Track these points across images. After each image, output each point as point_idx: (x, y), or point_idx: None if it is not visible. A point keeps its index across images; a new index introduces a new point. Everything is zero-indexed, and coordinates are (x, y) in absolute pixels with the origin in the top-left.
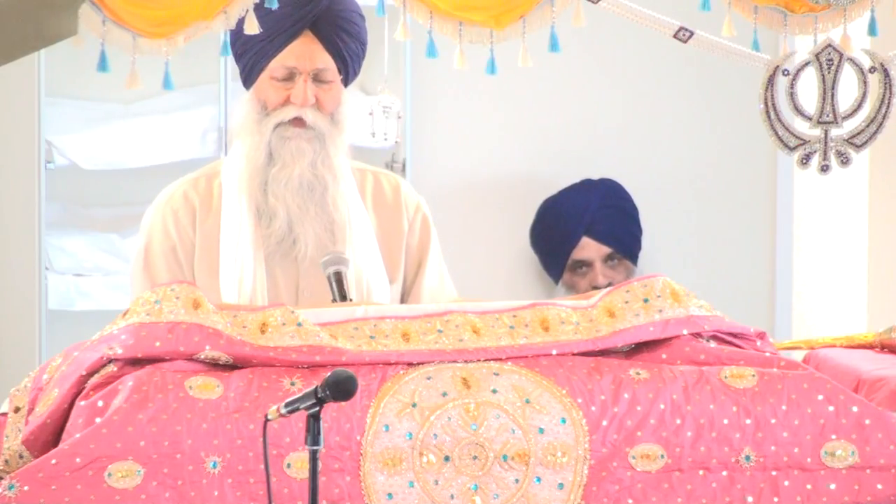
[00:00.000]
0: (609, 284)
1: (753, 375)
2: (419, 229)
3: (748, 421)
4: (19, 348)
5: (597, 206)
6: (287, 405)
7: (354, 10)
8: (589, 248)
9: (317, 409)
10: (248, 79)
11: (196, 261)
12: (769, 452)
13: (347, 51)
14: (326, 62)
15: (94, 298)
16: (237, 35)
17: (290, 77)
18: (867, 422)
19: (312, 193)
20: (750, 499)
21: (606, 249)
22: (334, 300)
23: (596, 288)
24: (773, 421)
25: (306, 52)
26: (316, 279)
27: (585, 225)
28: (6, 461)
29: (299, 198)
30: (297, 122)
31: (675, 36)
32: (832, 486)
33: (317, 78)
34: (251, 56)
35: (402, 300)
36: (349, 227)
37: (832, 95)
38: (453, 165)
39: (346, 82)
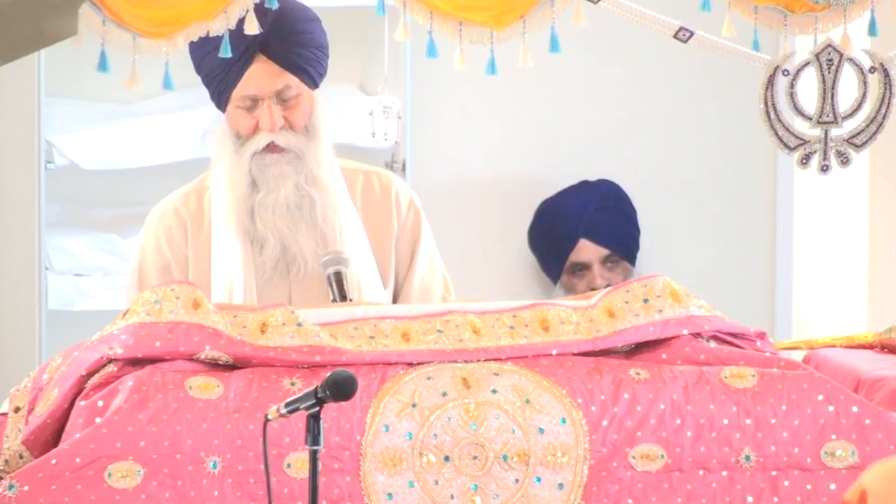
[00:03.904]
0: (607, 286)
1: (753, 375)
2: (411, 226)
3: (748, 421)
4: (19, 348)
5: (594, 207)
6: (287, 405)
7: (302, 16)
8: (587, 250)
9: (317, 409)
10: (220, 106)
11: (190, 277)
12: (769, 452)
13: (305, 62)
14: (287, 80)
15: (93, 298)
16: (199, 65)
17: (254, 104)
18: (867, 422)
19: (301, 212)
20: (750, 499)
21: (604, 251)
22: (334, 300)
23: (594, 290)
24: (773, 421)
25: (263, 77)
26: (308, 290)
27: (583, 226)
28: (6, 461)
29: (288, 219)
30: (272, 147)
31: (675, 36)
32: (832, 486)
33: (281, 97)
34: (214, 87)
35: (396, 295)
36: (341, 235)
37: (832, 95)
38: (453, 166)
39: (315, 85)
